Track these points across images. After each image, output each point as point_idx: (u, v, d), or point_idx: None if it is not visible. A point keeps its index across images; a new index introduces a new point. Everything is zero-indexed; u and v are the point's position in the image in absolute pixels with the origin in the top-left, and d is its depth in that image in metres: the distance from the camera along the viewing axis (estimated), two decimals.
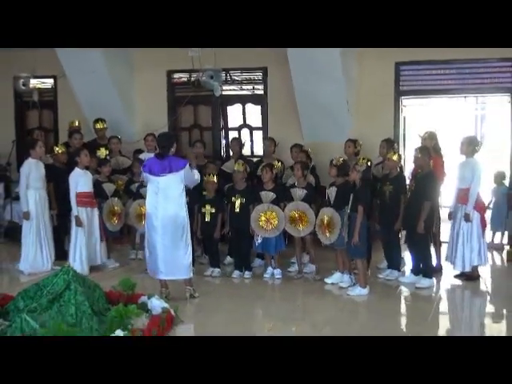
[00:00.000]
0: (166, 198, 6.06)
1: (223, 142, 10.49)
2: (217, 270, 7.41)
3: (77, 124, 9.37)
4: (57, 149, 8.32)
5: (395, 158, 7.14)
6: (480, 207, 7.07)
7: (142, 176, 6.45)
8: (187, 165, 6.14)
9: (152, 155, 7.94)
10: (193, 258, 6.50)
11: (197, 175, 6.41)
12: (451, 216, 7.23)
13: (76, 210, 7.39)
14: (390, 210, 7.02)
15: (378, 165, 7.86)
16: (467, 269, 7.04)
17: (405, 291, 6.79)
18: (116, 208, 7.99)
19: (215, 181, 7.37)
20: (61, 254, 7.91)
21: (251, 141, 10.27)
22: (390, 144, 7.80)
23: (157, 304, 5.53)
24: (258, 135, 10.19)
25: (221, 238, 7.52)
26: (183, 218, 6.15)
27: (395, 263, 7.32)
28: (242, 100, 10.30)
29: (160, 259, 6.14)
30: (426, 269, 6.94)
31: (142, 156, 8.75)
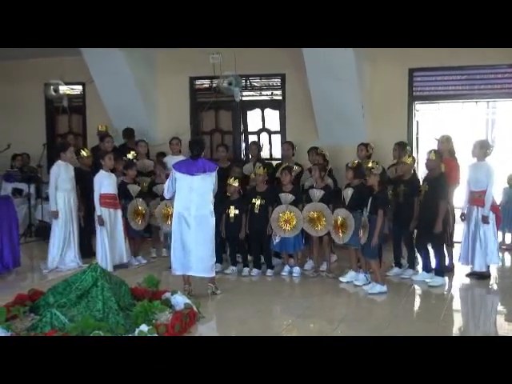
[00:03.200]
0: (199, 197, 6.30)
1: (243, 145, 10.75)
2: (240, 268, 7.60)
3: (104, 129, 9.74)
4: (83, 152, 8.53)
5: (409, 161, 7.25)
6: (495, 208, 7.17)
7: (172, 175, 6.53)
8: (217, 168, 6.46)
9: (176, 158, 8.31)
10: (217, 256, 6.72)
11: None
12: (464, 217, 7.31)
13: (99, 210, 7.62)
14: (404, 211, 7.11)
15: (391, 167, 7.97)
16: (484, 268, 7.14)
17: (417, 289, 6.89)
18: (140, 208, 8.19)
19: (236, 185, 7.51)
20: (88, 253, 8.19)
21: (270, 144, 10.51)
22: (403, 147, 7.92)
23: (180, 300, 5.65)
24: (277, 139, 10.43)
25: (245, 237, 7.65)
26: (212, 218, 6.40)
27: (410, 262, 7.44)
28: (261, 105, 10.57)
29: (192, 256, 6.32)
30: (439, 267, 7.04)
31: (166, 159, 9.04)
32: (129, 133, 9.94)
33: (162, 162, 8.79)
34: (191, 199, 6.31)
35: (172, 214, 6.64)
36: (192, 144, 6.63)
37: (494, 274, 7.43)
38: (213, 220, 6.42)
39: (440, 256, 7.11)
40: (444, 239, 7.17)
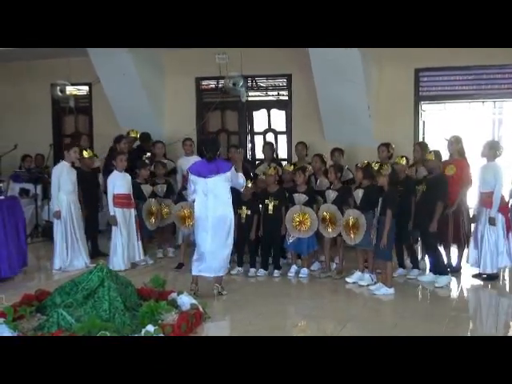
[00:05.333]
0: (215, 199, 6.27)
1: (249, 145, 10.76)
2: (253, 269, 7.56)
3: (135, 134, 9.78)
4: (84, 153, 8.43)
5: (403, 162, 7.27)
6: (503, 209, 7.11)
7: (189, 178, 6.53)
8: (233, 167, 6.41)
9: (189, 158, 8.41)
10: None
11: (242, 178, 6.62)
12: (475, 218, 7.27)
13: (113, 210, 7.67)
14: (403, 211, 6.97)
15: (411, 167, 7.84)
16: (495, 270, 7.10)
17: (424, 290, 6.88)
18: (153, 208, 8.22)
19: (249, 186, 7.46)
20: (94, 253, 8.26)
21: (276, 144, 10.42)
22: (424, 147, 7.90)
23: (186, 300, 5.64)
24: (283, 139, 10.45)
25: (256, 238, 7.65)
26: (231, 218, 6.39)
27: (413, 262, 7.43)
28: (267, 105, 10.57)
29: (207, 257, 6.32)
30: (439, 267, 7.02)
31: (180, 160, 9.14)
32: (144, 137, 9.90)
33: (162, 163, 8.83)
34: (207, 202, 6.30)
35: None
36: (206, 145, 6.61)
37: (501, 274, 7.38)
38: (231, 220, 6.39)
39: (435, 255, 7.07)
40: (438, 239, 7.14)
